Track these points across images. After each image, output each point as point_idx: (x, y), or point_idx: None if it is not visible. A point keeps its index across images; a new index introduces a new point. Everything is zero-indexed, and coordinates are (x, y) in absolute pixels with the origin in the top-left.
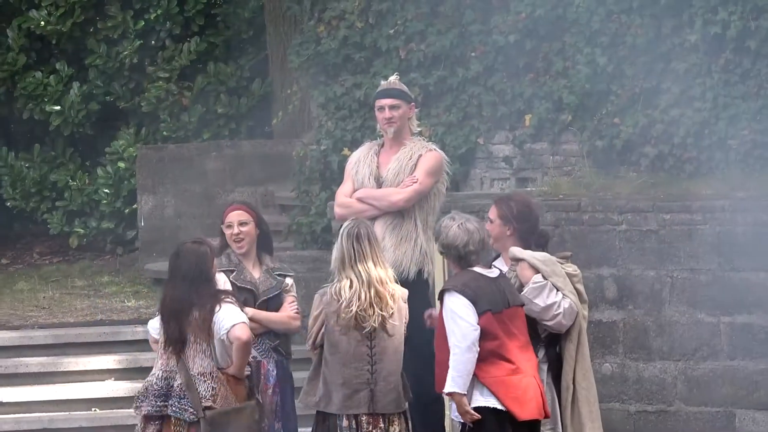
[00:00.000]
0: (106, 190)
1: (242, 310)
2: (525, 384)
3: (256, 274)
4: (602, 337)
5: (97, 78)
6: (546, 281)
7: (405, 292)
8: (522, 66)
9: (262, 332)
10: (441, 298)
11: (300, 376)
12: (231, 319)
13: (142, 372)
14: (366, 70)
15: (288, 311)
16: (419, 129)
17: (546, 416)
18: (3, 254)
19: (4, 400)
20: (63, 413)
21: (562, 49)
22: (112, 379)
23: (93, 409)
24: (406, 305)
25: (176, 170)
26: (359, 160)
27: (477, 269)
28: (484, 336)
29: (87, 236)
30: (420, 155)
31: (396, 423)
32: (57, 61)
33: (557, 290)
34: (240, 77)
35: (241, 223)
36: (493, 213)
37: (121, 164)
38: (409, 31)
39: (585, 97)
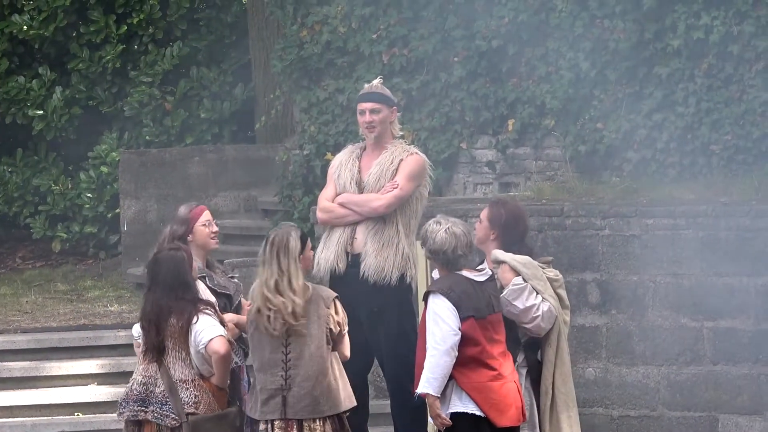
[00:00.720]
0: (89, 195)
1: (221, 320)
2: (505, 390)
3: (213, 274)
4: (585, 341)
5: (80, 82)
6: (526, 284)
7: (330, 296)
8: (505, 71)
9: (238, 337)
10: (425, 300)
11: None
12: (208, 333)
13: (124, 376)
14: (349, 74)
15: None
16: (402, 133)
17: (524, 419)
18: None
19: None
20: (46, 418)
21: (545, 54)
22: (95, 383)
23: (76, 414)
24: (331, 309)
25: (159, 175)
26: (341, 164)
27: (464, 273)
28: (466, 341)
29: (70, 241)
30: (401, 159)
31: (318, 430)
32: (39, 65)
33: (537, 293)
34: (223, 82)
35: (216, 222)
36: (484, 213)
37: (104, 169)
38: (392, 36)
39: (568, 101)
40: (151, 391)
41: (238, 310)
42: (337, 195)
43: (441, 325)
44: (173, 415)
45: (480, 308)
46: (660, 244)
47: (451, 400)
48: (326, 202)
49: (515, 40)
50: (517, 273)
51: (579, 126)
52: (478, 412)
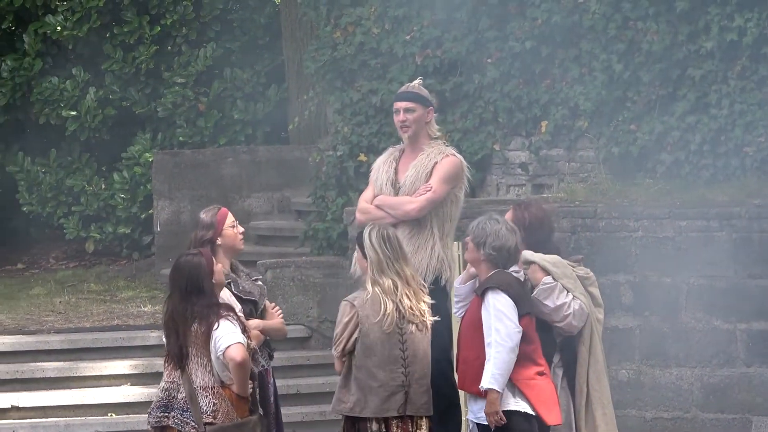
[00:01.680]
0: (123, 196)
1: (244, 326)
2: (550, 388)
3: (238, 279)
4: (618, 343)
5: (114, 83)
6: (556, 282)
7: (427, 299)
8: (538, 72)
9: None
10: (482, 296)
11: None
12: (227, 340)
13: (157, 377)
14: (382, 76)
15: (277, 317)
16: (439, 134)
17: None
18: (19, 259)
19: (20, 405)
20: (79, 418)
21: (579, 56)
22: (128, 384)
23: (109, 414)
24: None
25: (192, 176)
26: (380, 165)
27: (511, 271)
28: (522, 338)
29: (103, 241)
30: (436, 162)
31: (423, 427)
32: (73, 66)
33: (567, 291)
34: (256, 83)
35: (240, 223)
36: (508, 216)
37: (138, 169)
38: (425, 37)
39: (601, 103)
40: (173, 397)
41: (263, 314)
42: (375, 196)
43: (506, 321)
44: (193, 423)
45: (531, 306)
46: (693, 246)
47: (504, 397)
48: (364, 203)
49: (548, 42)
50: (547, 272)
51: (612, 128)
52: (530, 411)
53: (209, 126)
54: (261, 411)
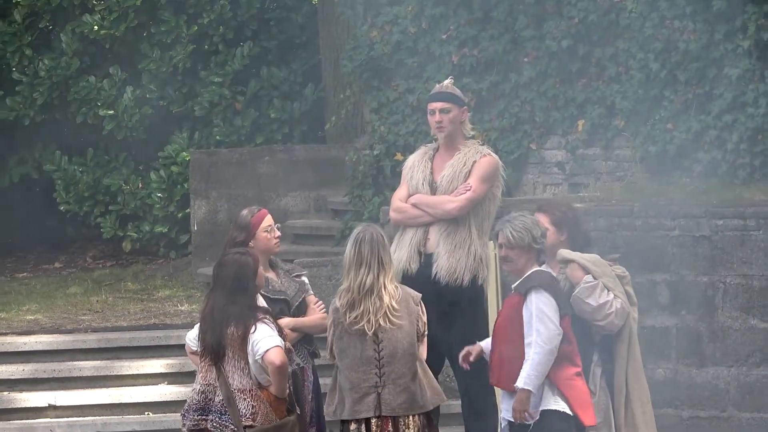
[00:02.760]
0: (159, 195)
1: (279, 329)
2: (587, 389)
3: (274, 277)
4: (655, 342)
5: (151, 82)
6: (597, 281)
7: (417, 295)
8: (575, 71)
9: (300, 338)
10: (525, 295)
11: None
12: (265, 343)
13: (194, 376)
14: (419, 74)
15: (318, 312)
16: (473, 133)
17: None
18: (56, 258)
19: (57, 404)
20: (116, 417)
21: (615, 55)
22: (165, 383)
23: (146, 413)
24: (419, 307)
25: (229, 175)
26: (414, 165)
27: (549, 270)
28: (562, 339)
29: (140, 240)
30: (474, 161)
31: (411, 426)
32: (110, 65)
33: (608, 290)
34: (293, 82)
35: (278, 227)
36: (544, 220)
37: (175, 168)
38: (462, 36)
39: (638, 102)
40: (210, 399)
41: (300, 308)
42: (409, 195)
43: (548, 323)
44: (232, 426)
45: (570, 306)
46: (730, 245)
47: (544, 397)
48: (399, 202)
49: (585, 41)
50: (587, 271)
51: (649, 126)
52: (568, 411)
53: (246, 125)
54: (298, 410)
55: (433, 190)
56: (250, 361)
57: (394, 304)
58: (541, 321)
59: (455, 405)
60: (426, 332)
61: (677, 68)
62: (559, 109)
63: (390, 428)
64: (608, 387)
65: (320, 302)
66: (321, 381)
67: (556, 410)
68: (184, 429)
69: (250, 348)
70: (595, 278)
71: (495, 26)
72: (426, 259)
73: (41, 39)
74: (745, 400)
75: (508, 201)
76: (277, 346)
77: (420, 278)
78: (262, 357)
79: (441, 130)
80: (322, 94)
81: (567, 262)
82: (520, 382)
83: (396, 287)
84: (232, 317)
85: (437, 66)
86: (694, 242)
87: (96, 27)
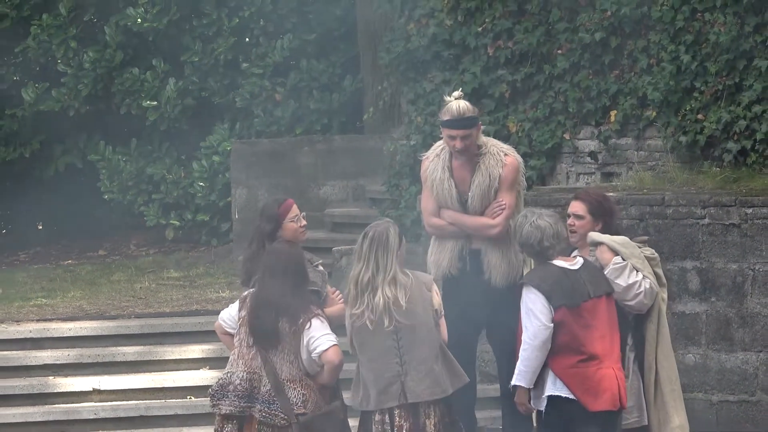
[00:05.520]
0: (201, 184)
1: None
2: (600, 375)
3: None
4: (685, 328)
5: (193, 74)
6: (626, 262)
7: (429, 279)
8: (607, 63)
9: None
10: (520, 292)
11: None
12: (324, 342)
13: None
14: (455, 67)
15: (338, 302)
16: (484, 138)
17: (622, 407)
18: (101, 245)
19: (101, 388)
20: (159, 401)
21: (647, 47)
22: (207, 367)
23: (188, 397)
24: (432, 292)
25: (269, 164)
26: (434, 174)
27: (557, 262)
28: (559, 329)
29: (182, 228)
30: (499, 174)
31: (433, 415)
32: (153, 57)
33: (637, 271)
34: (332, 74)
35: (304, 216)
36: (580, 209)
37: (216, 158)
38: (497, 29)
39: (669, 93)
40: (255, 388)
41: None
42: (437, 207)
43: (533, 320)
44: (282, 415)
45: (573, 296)
46: (759, 233)
47: (546, 384)
48: (435, 219)
49: (618, 33)
50: (616, 253)
51: (680, 117)
52: (570, 396)
53: (286, 116)
54: (343, 396)
55: (463, 204)
56: (304, 355)
57: (403, 293)
58: (527, 317)
59: (488, 389)
60: (443, 314)
61: (707, 60)
62: (591, 100)
63: (411, 419)
64: (640, 370)
65: (338, 291)
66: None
67: (559, 395)
68: (218, 411)
69: (305, 342)
70: (623, 259)
71: (529, 19)
72: (472, 259)
73: (86, 32)
74: None
75: (541, 190)
76: (335, 345)
77: (464, 278)
78: (320, 355)
79: (462, 154)
80: (360, 86)
81: (597, 244)
82: (514, 380)
83: (406, 274)
84: (286, 310)
85: (472, 58)
86: (723, 230)
87: (139, 20)
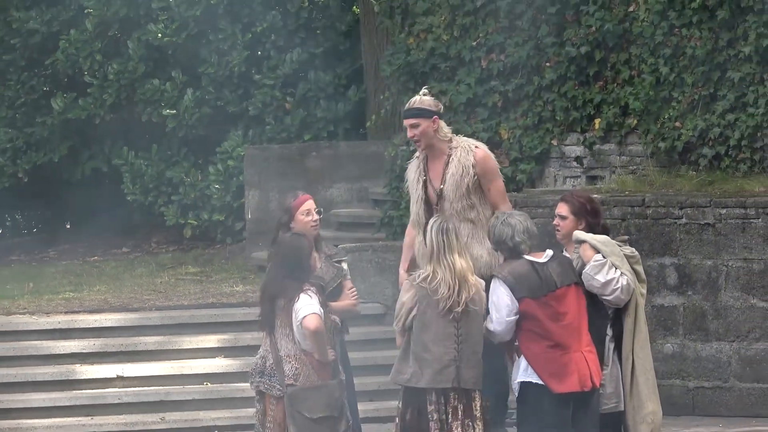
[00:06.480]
0: (217, 186)
1: (323, 299)
2: (566, 359)
3: (317, 262)
4: (664, 319)
5: (209, 85)
6: (605, 260)
7: (482, 282)
8: (592, 75)
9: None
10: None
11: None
12: (304, 310)
13: (248, 350)
14: (451, 78)
15: (350, 298)
16: (449, 134)
17: (595, 387)
18: (124, 243)
19: (125, 375)
20: (178, 387)
21: (629, 60)
22: (222, 356)
23: (205, 383)
24: (484, 294)
25: (280, 168)
26: (411, 180)
27: (527, 257)
28: (524, 317)
29: (199, 227)
30: (472, 164)
31: (477, 399)
32: (173, 69)
33: (615, 268)
34: (337, 84)
35: (317, 210)
36: (564, 210)
37: (231, 162)
38: (490, 43)
39: (649, 103)
40: (264, 364)
41: (336, 291)
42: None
43: (494, 312)
44: (278, 386)
45: (538, 287)
46: (732, 232)
47: (519, 371)
48: (409, 229)
49: (601, 47)
50: (597, 251)
51: (659, 125)
52: (539, 381)
53: (295, 123)
54: (343, 376)
55: (439, 196)
56: (295, 328)
57: (475, 288)
58: (492, 308)
59: None
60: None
61: (684, 72)
62: (577, 109)
63: (465, 400)
64: (619, 360)
65: (353, 288)
66: (350, 355)
67: (529, 381)
68: (253, 390)
69: (294, 316)
70: (604, 257)
71: (520, 34)
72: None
73: (110, 46)
74: (745, 371)
75: (531, 192)
76: (314, 313)
77: None
78: (300, 323)
79: (417, 144)
80: (363, 95)
81: (580, 242)
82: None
83: (474, 275)
84: (283, 290)
85: (467, 70)
86: (699, 229)
87: (160, 35)
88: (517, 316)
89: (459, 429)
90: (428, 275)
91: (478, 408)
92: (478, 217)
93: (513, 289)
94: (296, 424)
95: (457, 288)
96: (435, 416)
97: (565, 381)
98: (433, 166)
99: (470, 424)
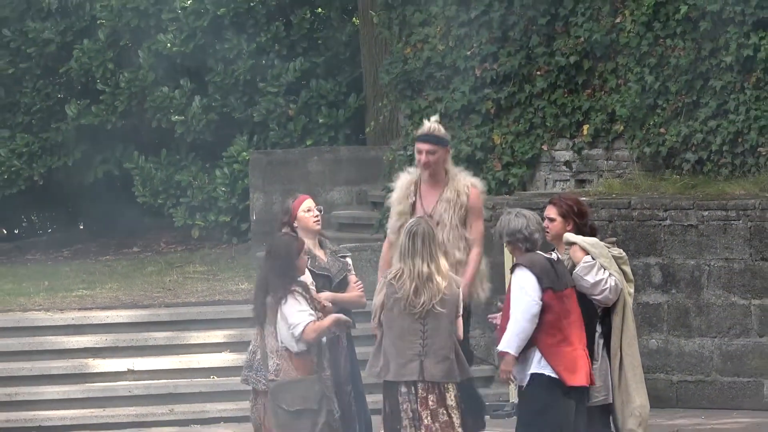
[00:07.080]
0: (223, 189)
1: (309, 299)
2: (574, 355)
3: (321, 256)
4: (649, 316)
5: (216, 92)
6: (595, 261)
7: (459, 280)
8: (580, 83)
9: (337, 310)
10: (512, 272)
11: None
12: (299, 319)
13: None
14: (446, 86)
15: (356, 290)
16: (451, 166)
17: (592, 383)
18: (135, 243)
19: (135, 369)
20: (185, 380)
21: (616, 69)
22: (228, 351)
23: (211, 377)
24: (461, 290)
25: (283, 172)
26: (402, 187)
27: (541, 252)
28: (545, 310)
29: (207, 228)
30: (466, 194)
31: (451, 390)
32: (181, 77)
33: (604, 269)
34: (338, 92)
35: (317, 208)
36: (552, 212)
37: (236, 166)
38: (483, 53)
39: (635, 110)
40: (253, 358)
41: (342, 285)
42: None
43: (524, 296)
44: (263, 381)
45: (557, 282)
46: (714, 233)
47: (532, 363)
48: (391, 236)
49: (590, 57)
50: (586, 252)
51: (644, 131)
52: (552, 374)
53: (298, 129)
54: (328, 372)
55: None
56: (280, 326)
57: (444, 288)
58: (520, 293)
59: (478, 370)
60: (461, 313)
61: (669, 80)
62: (566, 116)
63: (436, 392)
64: (608, 356)
65: (359, 282)
66: (357, 349)
67: (542, 374)
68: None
69: (280, 317)
70: (593, 258)
71: (512, 44)
72: None
73: (122, 55)
74: (726, 366)
75: (523, 195)
76: (309, 322)
77: None
78: (301, 333)
79: (427, 168)
80: (363, 103)
81: (570, 244)
82: (502, 346)
83: (446, 270)
84: (269, 287)
85: (462, 78)
86: (683, 230)
87: (169, 44)
88: (541, 303)
89: (429, 418)
90: (396, 273)
91: (453, 398)
92: (463, 250)
93: (539, 279)
94: (277, 416)
95: (414, 290)
96: (405, 406)
97: (576, 375)
98: (428, 190)
99: (445, 412)
